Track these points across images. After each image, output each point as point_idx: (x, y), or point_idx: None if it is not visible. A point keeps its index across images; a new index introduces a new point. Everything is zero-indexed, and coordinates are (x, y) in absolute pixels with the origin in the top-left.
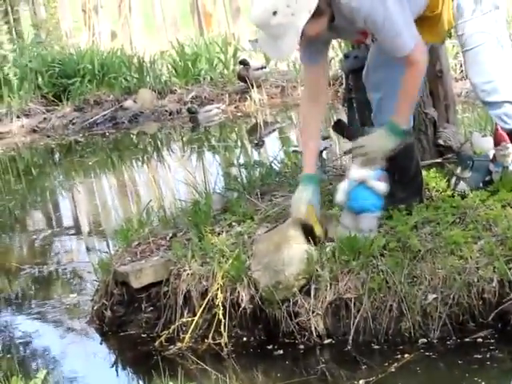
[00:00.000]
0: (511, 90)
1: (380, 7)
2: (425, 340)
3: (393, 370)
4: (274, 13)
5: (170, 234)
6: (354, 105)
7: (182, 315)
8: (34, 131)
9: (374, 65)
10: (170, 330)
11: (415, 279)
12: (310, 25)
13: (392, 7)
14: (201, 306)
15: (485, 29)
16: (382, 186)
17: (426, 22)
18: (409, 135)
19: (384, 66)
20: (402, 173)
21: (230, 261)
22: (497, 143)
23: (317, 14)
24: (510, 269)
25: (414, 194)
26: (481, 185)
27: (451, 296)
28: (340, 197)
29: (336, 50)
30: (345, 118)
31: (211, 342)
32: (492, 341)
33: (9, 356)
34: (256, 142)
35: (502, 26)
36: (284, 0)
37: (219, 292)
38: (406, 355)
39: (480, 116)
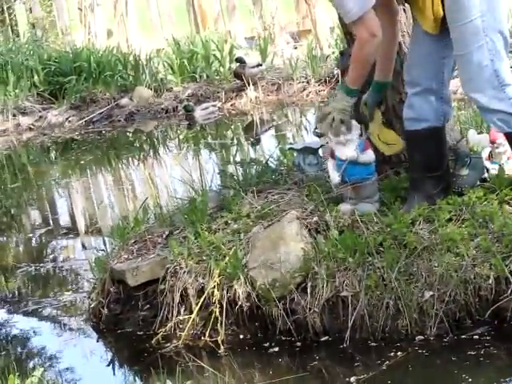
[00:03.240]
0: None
1: None
2: (421, 337)
3: (389, 367)
4: None
5: (167, 232)
6: None
7: (178, 313)
8: (30, 129)
9: (411, 62)
10: (167, 328)
11: (412, 276)
12: None
13: None
14: (197, 304)
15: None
16: (369, 156)
17: (415, 4)
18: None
19: (418, 64)
20: (437, 164)
21: (227, 258)
22: (493, 140)
23: None
24: (506, 265)
25: (447, 188)
26: (477, 182)
27: (448, 293)
28: (334, 178)
29: (332, 48)
30: None
31: (208, 339)
32: (488, 338)
33: (5, 354)
34: (252, 139)
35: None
36: None
37: (216, 290)
38: (403, 352)
39: (476, 113)
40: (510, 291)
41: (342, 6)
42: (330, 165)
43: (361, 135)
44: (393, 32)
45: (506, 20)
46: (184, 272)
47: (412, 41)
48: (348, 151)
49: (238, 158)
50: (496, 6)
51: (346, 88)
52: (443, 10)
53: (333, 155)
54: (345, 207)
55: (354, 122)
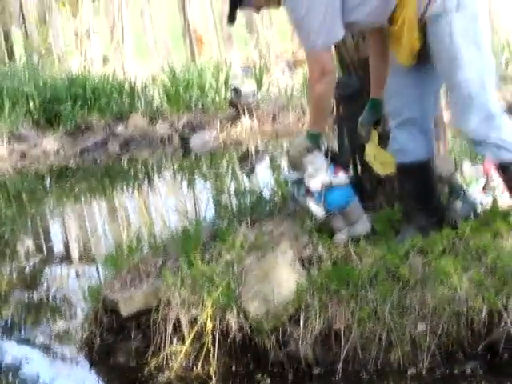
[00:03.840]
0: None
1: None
2: (414, 370)
3: None
4: None
5: (160, 262)
6: (344, 132)
7: (171, 343)
8: (25, 156)
9: (390, 92)
10: (159, 359)
11: (404, 309)
12: None
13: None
14: (190, 335)
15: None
16: (342, 178)
17: (391, 36)
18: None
19: (397, 94)
20: (426, 197)
21: (220, 289)
22: (487, 173)
23: None
24: (499, 299)
25: (440, 220)
26: (471, 214)
27: (440, 326)
28: (319, 212)
29: None
30: (335, 146)
31: (200, 370)
32: (481, 372)
33: None
34: (247, 169)
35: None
36: None
37: (208, 320)
38: None
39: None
40: (502, 325)
41: (302, 30)
42: (310, 202)
43: (326, 158)
44: (382, 46)
45: (490, 49)
46: (177, 302)
47: (390, 70)
48: (319, 179)
49: (232, 188)
50: (481, 38)
51: (306, 132)
52: (423, 42)
53: (309, 192)
54: (339, 237)
55: (315, 151)
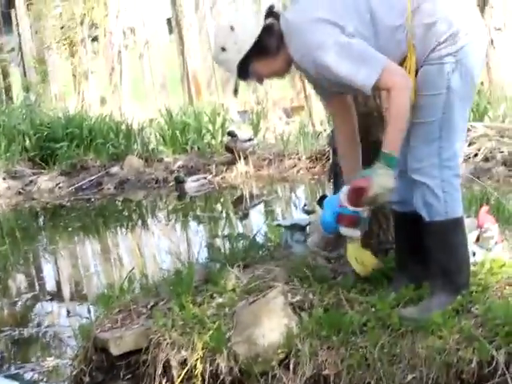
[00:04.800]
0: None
1: (324, 59)
2: None
3: None
4: (223, 49)
5: (152, 303)
6: (340, 180)
7: None
8: (20, 193)
9: None
10: None
11: (394, 357)
12: (261, 65)
13: (335, 55)
14: (179, 376)
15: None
16: None
17: None
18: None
19: None
20: (416, 247)
21: (211, 332)
22: (480, 225)
23: (266, 54)
24: (489, 350)
25: (455, 292)
26: None
27: (430, 376)
28: (356, 233)
29: (324, 125)
30: (330, 194)
31: None
32: None
33: None
34: (241, 213)
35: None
36: (232, 37)
37: (198, 362)
38: None
39: (464, 196)
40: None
41: (354, 81)
42: (353, 232)
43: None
44: (352, 127)
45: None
46: (167, 344)
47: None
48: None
49: (225, 232)
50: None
51: (387, 157)
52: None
53: (351, 224)
54: (355, 233)
55: None
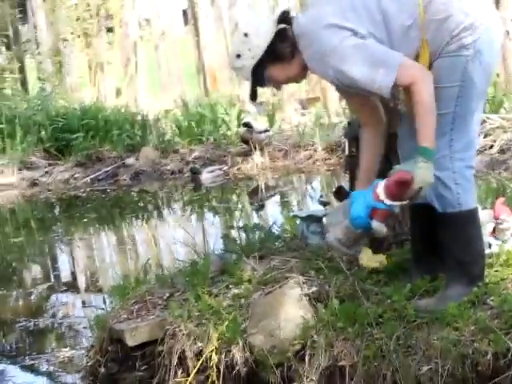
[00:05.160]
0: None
1: (339, 64)
2: None
3: None
4: (238, 56)
5: (167, 294)
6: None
7: (175, 375)
8: (35, 184)
9: (405, 136)
10: None
11: (410, 349)
12: (276, 70)
13: (350, 59)
14: (195, 367)
15: None
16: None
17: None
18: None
19: (411, 138)
20: (465, 250)
21: (226, 323)
22: (497, 217)
23: (281, 60)
24: (505, 342)
25: (470, 283)
26: None
27: (446, 368)
28: (383, 229)
29: (340, 116)
30: (346, 185)
31: None
32: None
33: None
34: (257, 204)
35: None
36: (246, 44)
37: (214, 353)
38: None
39: (480, 188)
40: (508, 367)
41: (371, 84)
42: (384, 228)
43: None
44: (377, 136)
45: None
46: (183, 334)
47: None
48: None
49: (241, 223)
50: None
51: (425, 151)
52: None
53: (383, 219)
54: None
55: None
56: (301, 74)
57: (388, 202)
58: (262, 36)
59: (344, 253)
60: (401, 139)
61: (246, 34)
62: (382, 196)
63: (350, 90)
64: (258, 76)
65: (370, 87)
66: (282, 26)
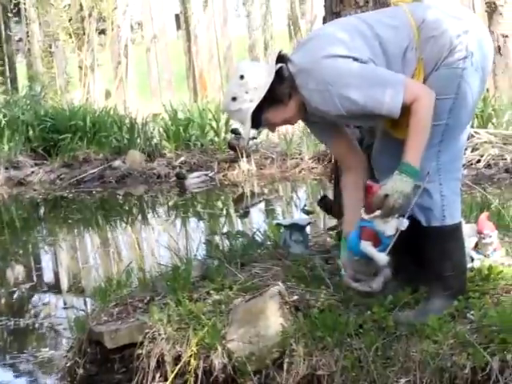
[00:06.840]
0: None
1: (344, 91)
2: None
3: None
4: (234, 99)
5: (148, 298)
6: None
7: (153, 379)
8: (21, 184)
9: (378, 150)
10: None
11: (388, 360)
12: (273, 112)
13: (354, 85)
14: (173, 371)
15: None
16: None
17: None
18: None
19: (387, 153)
20: (446, 263)
21: (206, 328)
22: (480, 231)
23: (278, 101)
24: (483, 356)
25: (451, 297)
26: None
27: (424, 380)
28: (383, 259)
29: None
30: (331, 195)
31: None
32: None
33: None
34: (241, 211)
35: None
36: (243, 87)
37: (192, 359)
38: None
39: (465, 202)
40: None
41: (379, 106)
42: (372, 249)
43: None
44: (361, 178)
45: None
46: (162, 338)
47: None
48: (394, 223)
49: (225, 229)
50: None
51: (407, 167)
52: None
53: (370, 238)
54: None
55: None
56: (297, 116)
57: (366, 216)
58: (260, 78)
59: (363, 291)
60: (377, 153)
61: (242, 77)
62: (363, 213)
63: (347, 123)
64: (254, 118)
65: (378, 110)
66: (280, 65)
